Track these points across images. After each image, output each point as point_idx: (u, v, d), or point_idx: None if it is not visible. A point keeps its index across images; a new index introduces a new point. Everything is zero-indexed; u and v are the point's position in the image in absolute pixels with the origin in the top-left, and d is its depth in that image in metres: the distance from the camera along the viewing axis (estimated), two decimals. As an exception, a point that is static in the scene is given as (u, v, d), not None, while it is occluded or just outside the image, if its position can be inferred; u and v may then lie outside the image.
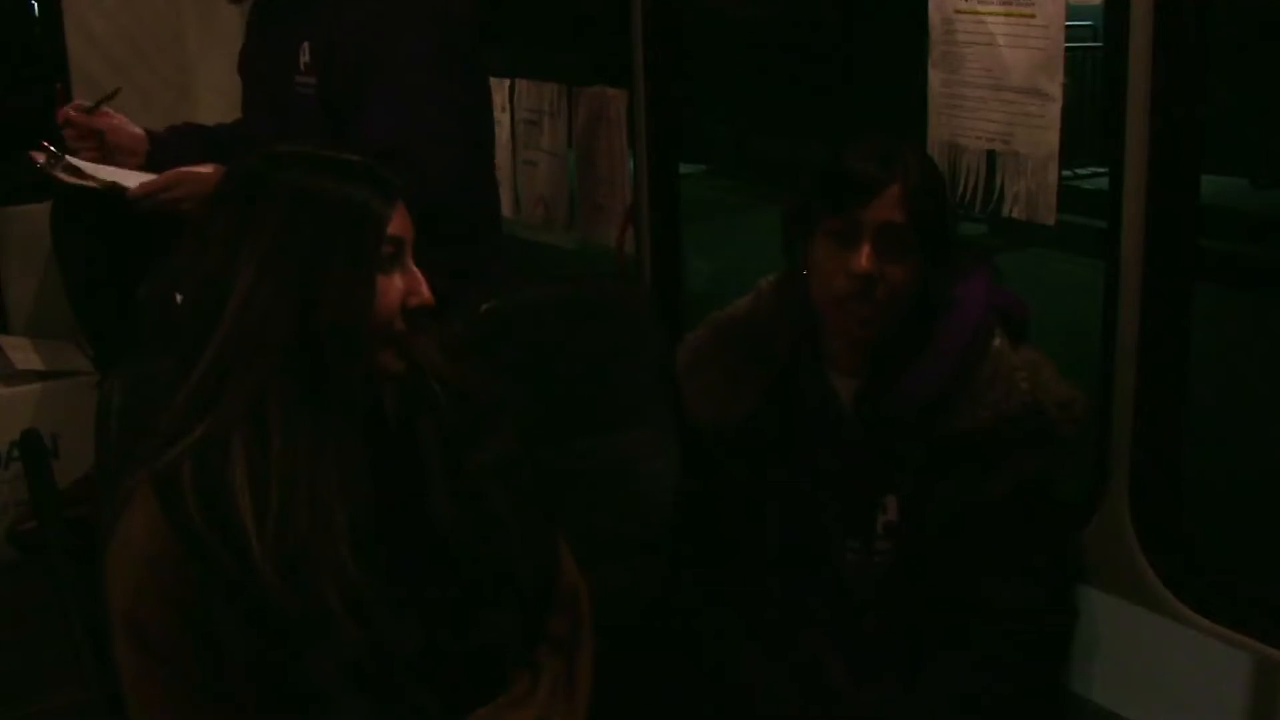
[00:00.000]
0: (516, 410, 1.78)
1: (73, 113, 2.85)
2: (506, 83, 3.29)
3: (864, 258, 1.80)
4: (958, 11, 2.18)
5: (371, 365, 1.59)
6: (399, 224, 1.59)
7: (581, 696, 1.75)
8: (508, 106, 3.29)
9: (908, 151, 1.86)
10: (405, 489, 1.65)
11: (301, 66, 2.68)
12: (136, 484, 1.55)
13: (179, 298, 2.62)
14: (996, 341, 1.87)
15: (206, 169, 2.63)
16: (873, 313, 1.83)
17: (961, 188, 2.23)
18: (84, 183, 2.68)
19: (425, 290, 1.62)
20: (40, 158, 2.73)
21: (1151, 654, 1.98)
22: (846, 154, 1.86)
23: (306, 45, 2.68)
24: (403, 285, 1.60)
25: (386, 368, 1.62)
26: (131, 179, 2.69)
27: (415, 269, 1.62)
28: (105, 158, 2.82)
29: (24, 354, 3.29)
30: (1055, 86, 2.07)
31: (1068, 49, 2.06)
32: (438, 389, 1.70)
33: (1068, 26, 2.04)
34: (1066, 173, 2.15)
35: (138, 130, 2.91)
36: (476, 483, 1.68)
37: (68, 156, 2.73)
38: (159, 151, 2.90)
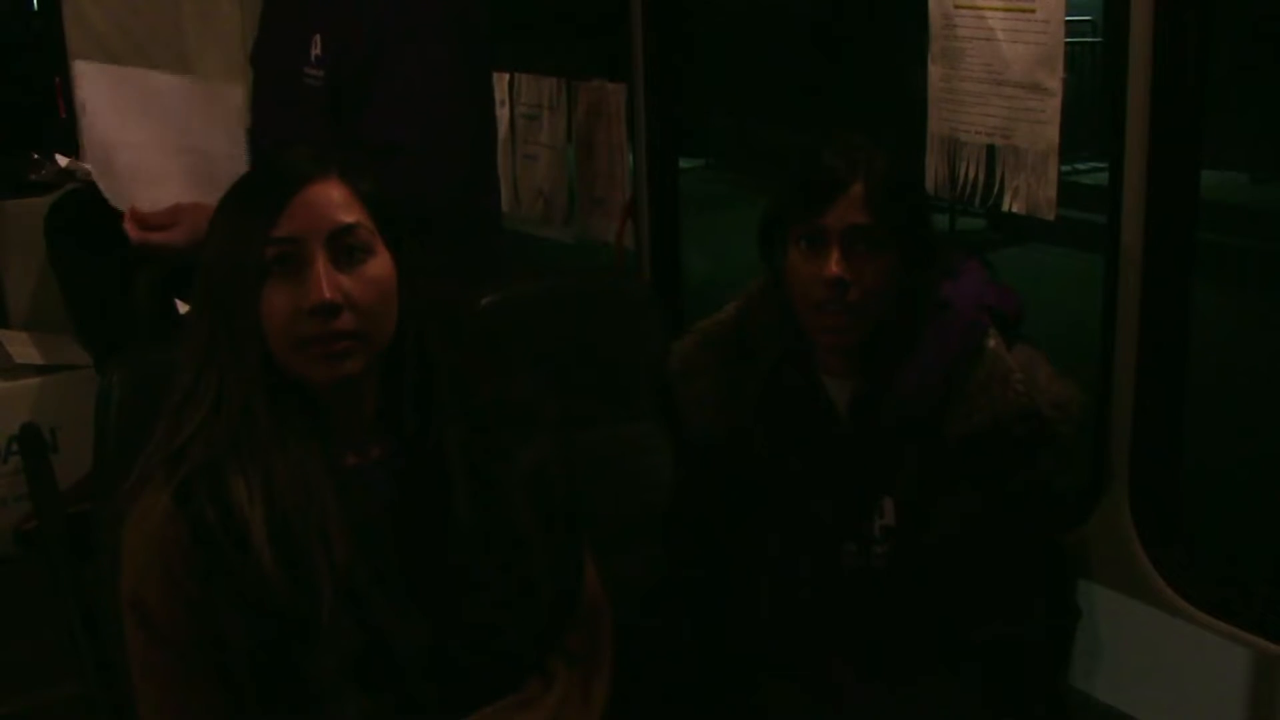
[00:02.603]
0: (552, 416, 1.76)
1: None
2: (506, 76, 3.28)
3: (833, 262, 1.78)
4: (958, 6, 2.17)
5: (303, 376, 1.56)
6: (299, 221, 1.53)
7: (595, 713, 1.72)
8: (507, 100, 3.29)
9: (871, 152, 1.83)
10: (426, 493, 1.63)
11: (312, 58, 2.67)
12: (153, 473, 1.56)
13: (179, 305, 2.64)
14: (991, 343, 1.86)
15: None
16: (848, 317, 1.81)
17: (961, 182, 2.23)
18: (73, 185, 2.68)
19: (319, 288, 1.51)
20: (33, 174, 2.73)
21: (1151, 648, 1.98)
22: (809, 160, 1.85)
23: (318, 37, 2.68)
24: (297, 288, 1.52)
25: (313, 378, 1.57)
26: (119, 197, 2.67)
27: (319, 265, 1.53)
28: None
29: (23, 347, 3.29)
30: (1055, 81, 2.06)
31: (1067, 44, 2.06)
32: (466, 396, 1.66)
33: (1067, 22, 2.04)
34: (1066, 168, 2.15)
35: None
36: (502, 494, 1.65)
37: (58, 158, 2.73)
38: None
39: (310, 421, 1.58)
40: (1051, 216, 2.10)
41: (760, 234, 1.91)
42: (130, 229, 2.57)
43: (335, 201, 1.56)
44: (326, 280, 1.52)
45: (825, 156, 1.82)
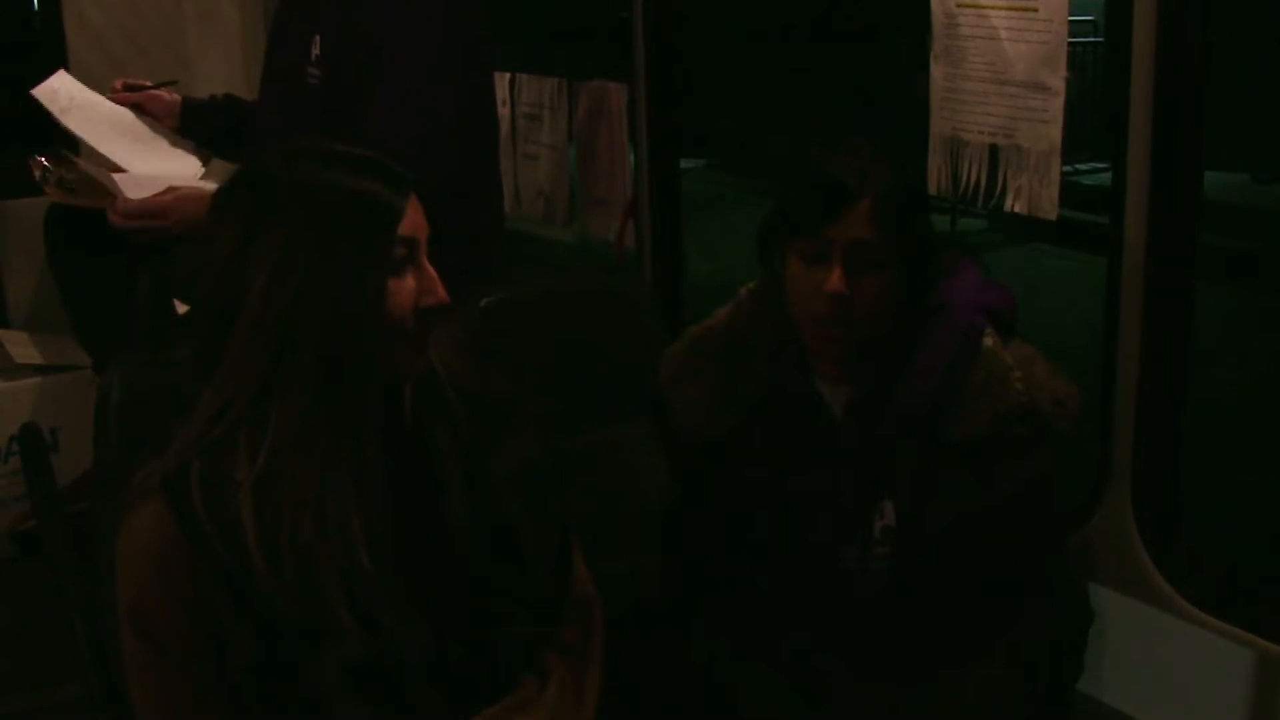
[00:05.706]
0: (535, 411, 1.76)
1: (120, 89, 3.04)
2: (507, 77, 3.28)
3: (835, 278, 1.75)
4: (960, 5, 2.17)
5: (387, 366, 1.57)
6: (412, 223, 1.57)
7: (589, 706, 1.72)
8: (508, 100, 3.29)
9: (876, 163, 1.79)
10: (420, 494, 1.63)
11: (312, 58, 2.69)
12: (146, 480, 1.54)
13: (178, 305, 2.65)
14: (988, 342, 1.83)
15: (202, 188, 2.66)
16: (848, 330, 1.79)
17: (963, 182, 2.22)
18: (73, 201, 2.70)
19: (440, 290, 1.58)
20: (37, 171, 2.75)
21: (1153, 649, 1.98)
22: (812, 171, 1.81)
23: (318, 38, 2.69)
24: (416, 285, 1.57)
25: (404, 368, 1.60)
26: (129, 185, 2.70)
27: (430, 268, 1.59)
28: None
29: (23, 348, 3.29)
30: (1057, 81, 2.06)
31: (1069, 44, 2.06)
32: (453, 395, 1.67)
33: (1069, 21, 2.04)
34: (1067, 168, 2.15)
35: (173, 97, 3.07)
36: (492, 490, 1.65)
37: (66, 155, 2.75)
38: (191, 119, 3.07)
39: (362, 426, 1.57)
40: (1054, 216, 2.10)
41: (759, 239, 1.89)
42: (114, 217, 2.62)
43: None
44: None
45: (832, 167, 1.78)
